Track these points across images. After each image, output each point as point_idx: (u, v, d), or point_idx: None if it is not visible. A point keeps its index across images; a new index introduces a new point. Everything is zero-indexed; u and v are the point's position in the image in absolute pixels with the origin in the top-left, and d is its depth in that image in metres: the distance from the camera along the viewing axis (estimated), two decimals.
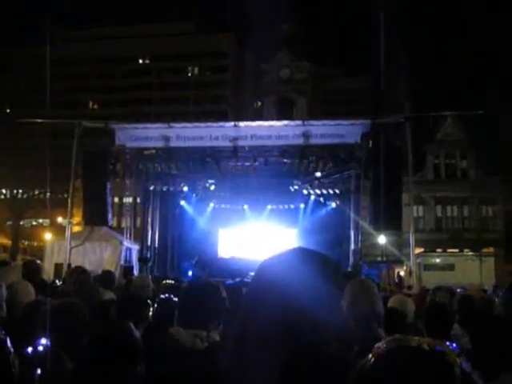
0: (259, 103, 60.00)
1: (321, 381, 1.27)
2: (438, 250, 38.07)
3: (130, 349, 3.40)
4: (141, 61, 77.96)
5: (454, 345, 3.72)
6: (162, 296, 5.72)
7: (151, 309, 5.33)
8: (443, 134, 39.72)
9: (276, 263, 1.48)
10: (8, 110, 44.66)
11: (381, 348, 1.11)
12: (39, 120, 22.09)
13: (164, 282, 8.44)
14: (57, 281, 11.74)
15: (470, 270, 35.25)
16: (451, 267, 36.83)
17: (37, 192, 48.28)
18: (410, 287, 16.70)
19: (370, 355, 1.11)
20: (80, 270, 7.24)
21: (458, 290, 10.42)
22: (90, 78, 74.33)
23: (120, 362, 3.17)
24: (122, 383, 2.94)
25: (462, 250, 37.97)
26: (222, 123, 19.74)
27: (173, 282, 8.55)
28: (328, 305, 1.36)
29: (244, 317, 1.45)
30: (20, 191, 46.77)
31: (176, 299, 5.51)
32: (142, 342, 3.58)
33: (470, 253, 37.28)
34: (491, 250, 37.53)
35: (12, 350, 2.59)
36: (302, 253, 1.52)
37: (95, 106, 75.88)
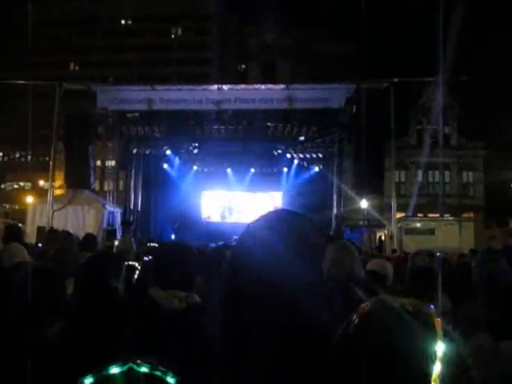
0: (243, 66, 59.48)
1: (310, 348, 1.30)
2: (419, 215, 38.44)
3: (116, 311, 3.42)
4: (123, 21, 76.60)
5: (432, 306, 3.80)
6: (146, 258, 5.76)
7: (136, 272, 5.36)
8: (427, 99, 39.76)
9: (260, 225, 1.49)
10: None
11: (365, 308, 1.13)
12: (19, 81, 21.74)
13: (148, 244, 8.50)
14: (39, 244, 11.72)
15: (450, 235, 35.54)
16: (431, 232, 37.24)
17: (18, 155, 47.85)
18: (394, 251, 16.91)
19: (355, 315, 1.14)
20: (65, 234, 7.22)
21: (438, 254, 10.58)
22: (71, 39, 73.01)
23: (106, 325, 3.19)
24: (109, 345, 2.97)
25: (442, 215, 38.38)
26: (205, 86, 19.57)
27: (156, 244, 8.61)
28: (309, 265, 1.38)
29: (228, 280, 1.46)
30: (0, 154, 46.27)
31: None
32: (127, 304, 3.61)
33: (451, 218, 37.70)
34: (471, 215, 37.97)
35: None
36: (285, 214, 1.53)
37: (76, 68, 74.72)
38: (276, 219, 1.49)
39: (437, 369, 1.03)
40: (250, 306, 1.35)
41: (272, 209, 1.64)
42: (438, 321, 1.09)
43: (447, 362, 1.04)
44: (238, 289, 1.40)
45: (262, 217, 1.52)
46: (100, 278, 3.65)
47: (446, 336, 1.08)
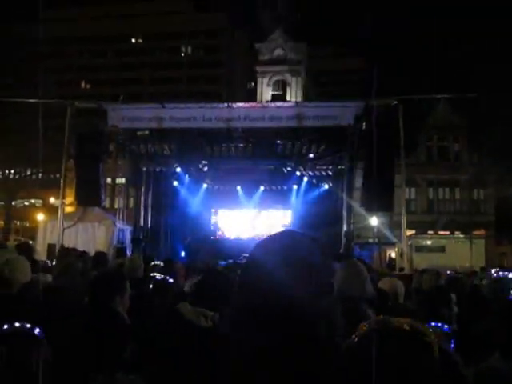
0: (253, 84, 59.74)
1: (309, 360, 1.32)
2: (430, 232, 38.26)
3: (118, 332, 3.44)
4: (134, 40, 77.35)
5: (446, 326, 3.78)
6: (158, 277, 5.77)
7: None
8: (436, 116, 39.76)
9: (268, 246, 1.52)
10: None
11: (364, 328, 1.15)
12: (31, 100, 21.92)
13: (152, 263, 8.47)
14: (48, 261, 11.76)
15: (461, 252, 35.44)
16: (442, 249, 37.04)
17: (29, 172, 48.11)
18: (401, 269, 16.82)
19: (354, 335, 1.15)
20: (78, 253, 7.28)
21: (448, 272, 10.52)
22: (83, 57, 73.80)
23: (110, 345, 3.21)
24: (111, 365, 2.98)
25: (452, 232, 38.17)
26: (215, 104, 19.70)
27: (161, 263, 8.59)
28: (316, 286, 1.41)
29: (238, 297, 1.49)
30: (12, 171, 46.56)
31: (171, 280, 5.58)
32: (130, 325, 3.62)
33: (461, 235, 37.49)
34: (482, 232, 37.75)
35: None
36: (293, 235, 1.56)
37: (87, 86, 75.37)
38: (283, 239, 1.52)
39: None
40: (255, 322, 1.38)
41: (279, 229, 1.68)
42: (435, 341, 1.10)
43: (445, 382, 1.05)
44: (245, 306, 1.43)
45: (270, 237, 1.57)
46: (103, 299, 3.68)
47: (444, 356, 1.09)
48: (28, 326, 2.67)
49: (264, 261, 1.47)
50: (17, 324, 2.67)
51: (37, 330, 2.66)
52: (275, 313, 1.38)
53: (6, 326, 2.62)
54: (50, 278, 5.43)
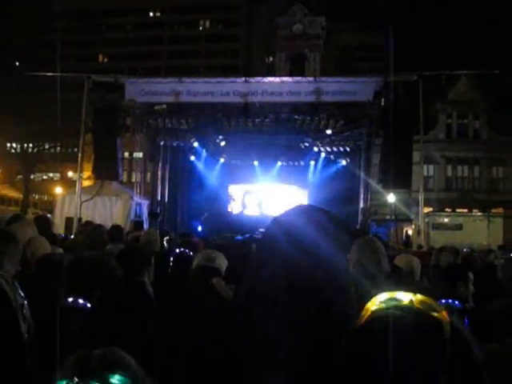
0: (271, 58, 59.30)
1: (323, 339, 1.31)
2: (447, 210, 38.04)
3: (144, 306, 3.47)
4: (151, 14, 76.97)
5: (457, 302, 3.77)
6: (177, 250, 5.81)
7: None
8: (456, 93, 39.24)
9: (284, 220, 1.51)
10: (17, 64, 44.46)
11: (373, 306, 1.13)
12: (49, 74, 21.94)
13: (166, 238, 8.57)
14: (68, 234, 11.91)
15: (479, 230, 35.26)
16: (459, 227, 36.86)
17: (47, 146, 48.37)
18: (420, 246, 16.77)
19: (363, 313, 1.13)
20: (94, 225, 7.32)
21: (465, 250, 10.47)
22: (100, 31, 73.65)
23: (134, 318, 3.24)
24: (133, 340, 3.01)
25: (470, 210, 37.93)
26: (232, 79, 19.56)
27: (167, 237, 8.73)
28: (332, 263, 1.39)
29: (253, 272, 1.49)
30: (30, 145, 46.84)
31: (191, 253, 5.60)
32: (154, 300, 3.64)
33: (479, 213, 37.24)
34: (500, 210, 37.46)
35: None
36: (310, 210, 1.55)
37: (105, 60, 75.34)
38: (300, 214, 1.50)
39: (445, 371, 1.02)
40: (272, 297, 1.37)
41: (298, 203, 1.67)
42: (446, 318, 1.08)
43: (456, 363, 1.03)
44: (261, 280, 1.43)
45: (287, 211, 1.55)
46: (130, 273, 3.70)
47: (457, 336, 1.07)
48: (80, 300, 2.75)
49: (279, 235, 1.46)
50: (70, 299, 2.75)
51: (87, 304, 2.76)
52: (291, 287, 1.37)
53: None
54: (61, 250, 5.48)
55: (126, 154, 35.83)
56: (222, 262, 4.09)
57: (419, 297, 1.13)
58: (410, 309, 1.09)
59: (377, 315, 1.11)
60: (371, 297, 1.18)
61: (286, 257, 1.40)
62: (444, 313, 1.10)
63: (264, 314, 1.38)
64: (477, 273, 5.40)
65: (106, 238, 6.34)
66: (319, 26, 51.67)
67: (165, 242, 8.49)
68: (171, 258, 5.72)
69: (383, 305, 1.13)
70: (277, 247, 1.43)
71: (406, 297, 1.13)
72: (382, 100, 17.71)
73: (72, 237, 9.41)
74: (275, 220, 1.55)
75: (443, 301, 3.91)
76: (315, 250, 1.39)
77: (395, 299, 1.13)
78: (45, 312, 2.92)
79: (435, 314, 1.09)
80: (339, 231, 1.51)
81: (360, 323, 1.13)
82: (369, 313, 1.13)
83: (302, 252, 1.39)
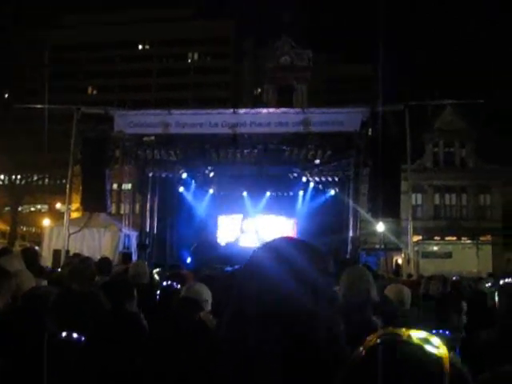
0: (259, 90, 59.80)
1: (307, 367, 1.30)
2: (436, 238, 38.17)
3: (137, 338, 3.43)
4: (141, 46, 77.64)
5: (447, 332, 3.75)
6: (165, 283, 5.78)
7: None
8: (442, 122, 39.69)
9: (263, 252, 1.54)
10: (6, 95, 44.53)
11: (371, 341, 1.12)
12: (38, 105, 22.01)
13: (156, 270, 8.55)
14: (56, 267, 11.79)
15: (468, 258, 35.38)
16: (449, 255, 36.95)
17: (35, 178, 48.17)
18: (410, 275, 16.76)
19: (361, 348, 1.12)
20: (82, 258, 7.28)
21: (454, 278, 10.47)
22: (90, 64, 74.08)
23: (129, 356, 3.19)
24: (124, 372, 2.98)
25: (459, 238, 38.07)
26: (221, 110, 19.71)
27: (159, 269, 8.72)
28: (312, 293, 1.40)
29: (236, 301, 1.50)
30: (18, 177, 46.64)
31: (178, 286, 5.57)
32: (148, 333, 3.61)
33: (468, 241, 37.38)
34: (488, 238, 37.63)
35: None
36: (289, 242, 1.57)
37: (94, 92, 75.66)
38: (279, 248, 1.53)
39: None
40: (249, 325, 1.40)
41: (286, 233, 1.70)
42: (446, 356, 1.07)
43: None
44: (240, 309, 1.45)
45: (266, 244, 1.58)
46: (118, 304, 3.67)
47: (455, 371, 1.06)
48: (75, 335, 2.72)
49: (258, 266, 1.49)
50: (63, 333, 2.71)
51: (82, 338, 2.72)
52: (266, 315, 1.39)
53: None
54: (45, 283, 5.44)
55: (115, 186, 35.72)
56: (206, 294, 4.08)
57: (418, 332, 1.13)
58: (409, 345, 1.09)
59: (375, 350, 1.11)
60: (369, 327, 1.18)
61: (261, 288, 1.43)
62: (444, 348, 1.09)
63: (241, 342, 1.39)
64: (467, 301, 5.39)
65: (94, 271, 6.29)
66: (306, 58, 52.33)
67: (156, 275, 8.45)
68: (158, 291, 5.68)
69: (382, 340, 1.12)
70: (255, 278, 1.47)
71: (404, 332, 1.12)
72: (370, 130, 17.85)
73: (59, 270, 9.32)
74: (254, 252, 1.58)
75: (434, 331, 3.89)
76: (293, 281, 1.42)
77: (394, 334, 1.12)
78: (34, 346, 2.88)
79: (434, 350, 1.08)
80: (319, 262, 1.53)
81: (358, 357, 1.13)
82: (367, 347, 1.13)
83: (279, 283, 1.41)
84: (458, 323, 4.24)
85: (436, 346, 1.08)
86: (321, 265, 1.53)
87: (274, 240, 1.59)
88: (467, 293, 6.59)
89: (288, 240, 1.62)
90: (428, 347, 1.08)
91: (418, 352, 1.07)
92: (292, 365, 1.31)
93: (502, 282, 4.67)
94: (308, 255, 1.52)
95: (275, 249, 1.52)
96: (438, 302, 4.85)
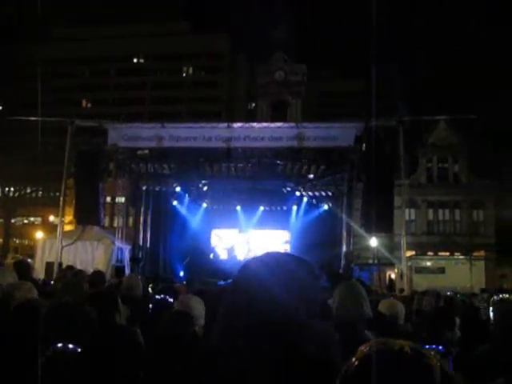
0: (253, 104, 60.00)
1: (299, 378, 1.30)
2: (429, 253, 38.20)
3: (135, 355, 3.41)
4: (135, 60, 77.82)
5: (441, 347, 3.75)
6: (158, 297, 5.76)
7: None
8: (436, 137, 39.88)
9: (254, 265, 1.56)
10: (0, 108, 44.54)
11: (364, 351, 1.13)
12: (32, 118, 21.99)
13: (151, 284, 8.54)
14: (48, 280, 11.73)
15: (461, 274, 35.39)
16: (442, 270, 36.96)
17: (29, 190, 48.14)
18: (402, 290, 16.76)
19: (354, 358, 1.13)
20: (75, 271, 7.25)
21: (448, 293, 10.49)
22: (84, 77, 74.24)
23: (124, 367, 3.18)
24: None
25: (452, 254, 38.12)
26: (215, 124, 19.74)
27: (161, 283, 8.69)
28: (304, 304, 1.41)
29: (227, 313, 1.51)
30: (12, 189, 46.58)
31: (171, 300, 5.56)
32: (144, 348, 3.60)
33: (461, 256, 37.43)
34: (482, 253, 37.68)
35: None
36: (280, 255, 1.59)
37: (88, 105, 75.69)
38: (270, 259, 1.54)
39: None
40: (241, 336, 1.39)
41: (279, 248, 1.72)
42: (438, 365, 1.08)
43: None
44: (231, 320, 1.45)
45: (253, 259, 1.61)
46: (104, 317, 3.65)
47: (446, 380, 1.07)
48: (70, 346, 2.71)
49: (249, 278, 1.51)
50: (59, 345, 2.69)
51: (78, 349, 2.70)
52: (258, 325, 1.40)
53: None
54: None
55: (108, 199, 35.68)
56: (200, 308, 4.06)
57: (409, 343, 1.14)
58: (400, 354, 1.10)
59: (368, 360, 1.11)
60: (362, 341, 1.19)
61: (254, 298, 1.44)
62: (434, 358, 1.10)
63: (236, 354, 1.39)
64: (460, 316, 5.39)
65: (87, 284, 6.27)
66: (300, 73, 52.51)
67: (150, 289, 8.43)
68: (150, 305, 5.66)
69: (374, 350, 1.13)
70: (245, 291, 1.48)
71: (396, 342, 1.13)
72: (363, 145, 17.91)
73: (52, 282, 9.28)
74: (244, 265, 1.60)
75: (427, 346, 3.88)
76: (281, 292, 1.42)
77: (386, 344, 1.13)
78: (26, 358, 2.87)
79: (426, 360, 1.09)
80: (310, 275, 1.54)
81: (351, 368, 1.13)
82: (360, 358, 1.13)
83: (268, 295, 1.42)
84: (451, 338, 4.23)
85: (427, 356, 1.09)
86: (312, 277, 1.54)
87: (265, 254, 1.60)
88: (460, 308, 6.59)
89: (279, 254, 1.64)
90: (419, 357, 1.09)
91: (409, 361, 1.08)
92: (284, 375, 1.31)
93: (494, 299, 4.66)
94: (299, 267, 1.53)
95: (266, 261, 1.53)
96: (431, 317, 4.85)
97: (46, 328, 3.16)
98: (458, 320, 4.58)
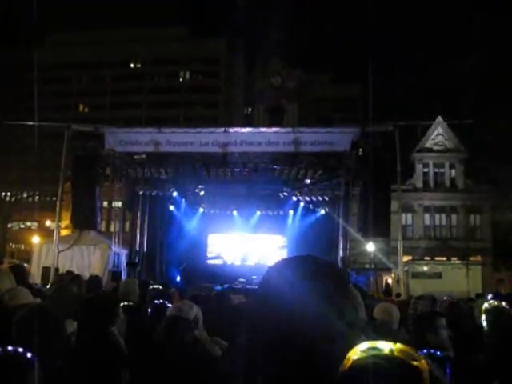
0: (250, 109, 60.07)
1: None
2: (426, 258, 38.19)
3: (115, 356, 3.42)
4: (132, 65, 77.87)
5: (438, 352, 3.75)
6: (157, 302, 5.76)
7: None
8: (432, 142, 39.96)
9: (283, 271, 1.40)
10: None
11: (354, 355, 1.14)
12: (29, 123, 21.99)
13: (151, 287, 8.46)
14: (43, 285, 11.71)
15: (457, 279, 35.35)
16: (439, 275, 36.94)
17: (25, 195, 48.04)
18: (398, 295, 16.75)
19: (344, 362, 1.14)
20: (72, 276, 7.25)
21: (445, 298, 10.49)
22: (81, 82, 74.27)
23: (106, 369, 3.18)
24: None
25: (449, 259, 38.11)
26: (212, 129, 19.74)
27: (160, 286, 8.60)
28: (331, 319, 1.30)
29: (251, 329, 1.40)
30: (8, 194, 46.49)
31: (170, 305, 5.56)
32: (125, 349, 3.59)
33: (458, 261, 37.42)
34: (478, 258, 37.70)
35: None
36: (312, 259, 1.46)
37: (85, 110, 75.68)
38: (302, 266, 1.40)
39: None
40: (268, 355, 1.32)
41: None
42: (427, 367, 1.09)
43: None
44: (254, 341, 1.38)
45: (284, 263, 1.44)
46: (94, 322, 3.65)
47: (435, 382, 1.08)
48: (20, 350, 2.64)
49: (282, 289, 1.33)
50: (9, 348, 2.63)
51: (29, 354, 2.63)
52: (298, 349, 1.28)
53: None
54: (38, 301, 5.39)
55: (105, 203, 35.58)
56: (197, 313, 4.07)
57: (399, 346, 1.14)
58: (389, 358, 1.10)
59: (357, 364, 1.12)
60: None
61: (282, 314, 1.31)
62: (423, 361, 1.11)
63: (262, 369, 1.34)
64: (456, 321, 5.40)
65: (84, 289, 6.27)
66: (297, 78, 52.64)
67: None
68: (148, 309, 5.66)
69: (364, 354, 1.14)
70: (279, 303, 1.32)
71: (386, 346, 1.14)
72: (360, 150, 17.94)
73: (48, 287, 9.26)
74: (272, 272, 1.42)
75: (425, 351, 3.89)
76: (312, 306, 1.29)
77: (375, 348, 1.14)
78: None
79: (415, 363, 1.10)
80: (346, 283, 1.47)
81: (341, 372, 1.14)
82: (350, 362, 1.14)
83: (310, 309, 1.29)
84: (435, 341, 4.20)
85: (416, 359, 1.10)
86: (343, 288, 1.43)
87: (293, 258, 1.46)
88: (464, 313, 6.61)
89: (310, 257, 1.46)
90: (408, 360, 1.10)
91: (398, 365, 1.08)
92: None
93: (486, 304, 4.64)
94: (336, 275, 1.42)
95: (300, 267, 1.40)
96: (416, 321, 4.87)
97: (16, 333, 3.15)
98: (443, 321, 4.55)
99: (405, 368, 1.08)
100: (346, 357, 1.15)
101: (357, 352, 1.14)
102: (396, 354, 1.10)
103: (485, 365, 3.27)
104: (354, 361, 1.12)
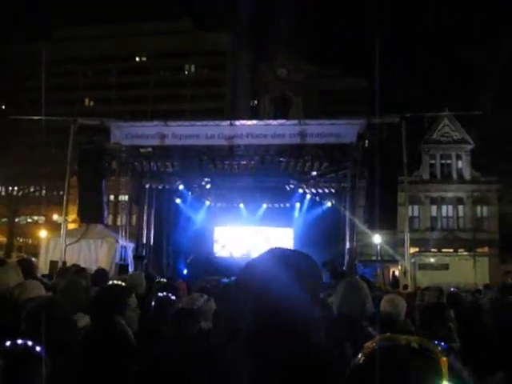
0: (256, 102, 59.97)
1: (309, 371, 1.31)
2: (433, 250, 38.15)
3: (124, 349, 3.42)
4: (138, 58, 77.86)
5: (443, 343, 3.75)
6: (160, 294, 5.77)
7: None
8: (439, 134, 39.84)
9: (254, 265, 1.54)
10: (3, 107, 44.62)
11: (371, 346, 1.13)
12: (35, 117, 22.03)
13: (157, 280, 8.50)
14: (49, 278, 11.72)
15: (464, 270, 35.33)
16: (446, 267, 36.91)
17: (32, 189, 48.21)
18: (406, 286, 16.75)
19: (361, 354, 1.14)
20: (76, 269, 7.26)
21: (452, 289, 10.48)
22: (87, 76, 74.31)
23: (113, 361, 3.19)
24: (118, 381, 2.96)
25: (456, 250, 38.06)
26: (218, 122, 19.70)
27: (165, 280, 8.64)
28: (301, 304, 1.40)
29: (231, 314, 1.50)
30: (15, 188, 46.66)
31: (173, 297, 5.58)
32: (134, 341, 3.60)
33: (465, 253, 37.37)
34: (485, 249, 37.64)
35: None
36: (284, 252, 1.57)
37: (91, 103, 75.78)
38: (272, 257, 1.53)
39: None
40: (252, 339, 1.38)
41: (282, 245, 1.71)
42: (444, 360, 1.09)
43: None
44: (239, 321, 1.44)
45: (257, 258, 1.58)
46: (105, 313, 3.66)
47: (454, 375, 1.07)
48: (30, 343, 2.64)
49: (251, 279, 1.49)
50: (19, 341, 2.63)
51: (38, 348, 2.63)
52: (262, 328, 1.39)
53: (7, 343, 2.59)
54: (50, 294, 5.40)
55: (112, 197, 35.69)
56: (206, 305, 4.07)
57: (416, 338, 1.15)
58: (407, 349, 1.10)
59: (375, 356, 1.12)
60: (365, 337, 1.19)
61: (256, 300, 1.42)
62: (441, 353, 1.11)
63: (240, 351, 1.39)
64: (462, 312, 5.39)
65: (90, 282, 6.28)
66: (303, 71, 52.47)
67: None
68: (153, 302, 5.67)
69: (381, 344, 1.14)
70: (248, 291, 1.46)
71: (403, 338, 1.14)
72: (366, 142, 17.89)
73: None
74: (245, 265, 1.57)
75: (435, 342, 3.87)
76: (283, 293, 1.41)
77: (393, 340, 1.14)
78: None
79: (432, 354, 1.10)
80: (311, 272, 1.53)
81: (358, 362, 1.14)
82: (367, 352, 1.14)
83: (270, 295, 1.40)
84: (443, 333, 4.19)
85: (434, 351, 1.10)
86: (317, 274, 1.54)
87: (270, 250, 1.58)
88: (463, 303, 6.59)
89: (285, 250, 1.61)
90: (426, 352, 1.09)
91: (416, 356, 1.08)
92: (306, 372, 1.31)
93: (489, 296, 4.62)
94: (306, 264, 1.52)
95: (273, 258, 1.52)
96: (423, 312, 4.86)
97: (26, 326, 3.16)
98: (451, 314, 4.54)
99: (423, 359, 1.08)
100: (364, 347, 1.16)
101: (374, 343, 1.14)
102: (414, 345, 1.10)
103: (489, 356, 3.27)
104: (370, 352, 1.12)
